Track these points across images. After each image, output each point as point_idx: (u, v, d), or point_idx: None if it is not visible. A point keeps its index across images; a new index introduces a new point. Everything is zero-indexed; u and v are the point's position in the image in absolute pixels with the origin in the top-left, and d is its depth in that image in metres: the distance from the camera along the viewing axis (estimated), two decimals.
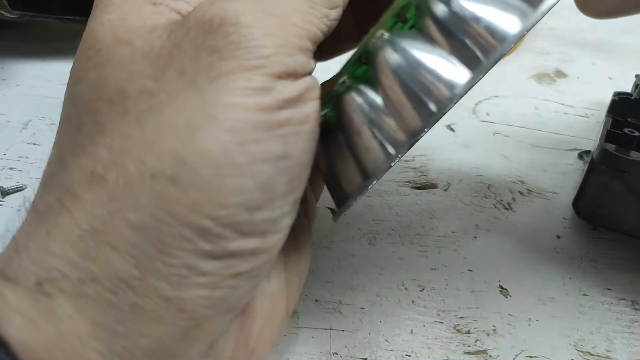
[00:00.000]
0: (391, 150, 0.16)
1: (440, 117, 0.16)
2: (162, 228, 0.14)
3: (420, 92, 0.16)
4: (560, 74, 0.45)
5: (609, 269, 0.28)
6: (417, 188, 0.32)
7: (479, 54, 0.15)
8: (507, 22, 0.15)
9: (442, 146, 0.36)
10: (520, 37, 0.15)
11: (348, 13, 0.24)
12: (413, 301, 0.26)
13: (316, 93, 0.16)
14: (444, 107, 0.15)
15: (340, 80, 0.18)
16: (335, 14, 0.17)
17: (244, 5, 0.15)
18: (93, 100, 0.16)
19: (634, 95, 0.31)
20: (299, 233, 0.21)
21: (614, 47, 0.49)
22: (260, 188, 0.15)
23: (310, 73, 0.16)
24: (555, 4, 0.15)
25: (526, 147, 0.36)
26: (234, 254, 0.15)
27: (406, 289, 0.26)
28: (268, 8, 0.15)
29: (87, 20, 0.17)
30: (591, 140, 0.36)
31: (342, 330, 0.24)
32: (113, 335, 0.14)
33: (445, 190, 0.32)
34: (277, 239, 0.16)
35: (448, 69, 0.15)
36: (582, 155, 0.35)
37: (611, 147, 0.26)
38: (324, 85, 0.20)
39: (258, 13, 0.15)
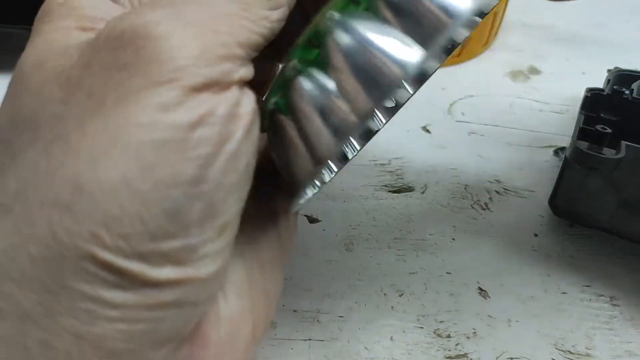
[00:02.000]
0: (343, 134, 0.16)
1: (391, 99, 0.15)
2: (60, 261, 0.13)
3: (373, 74, 0.15)
4: (534, 70, 0.45)
5: (587, 265, 0.28)
6: (394, 192, 0.32)
7: (432, 32, 0.15)
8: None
9: (418, 148, 0.36)
10: (475, 14, 0.14)
11: (297, 13, 0.23)
12: (392, 307, 0.25)
13: (246, 108, 0.15)
14: (396, 88, 0.15)
15: (290, 65, 0.17)
16: (278, 14, 0.16)
17: (158, 16, 0.14)
18: (7, 130, 0.15)
19: (606, 91, 0.31)
20: (265, 249, 0.19)
21: (586, 41, 0.49)
22: (168, 216, 0.13)
23: (242, 82, 0.15)
24: None
25: (502, 146, 0.36)
26: (149, 285, 0.14)
27: (385, 294, 0.26)
28: (188, 17, 0.14)
29: None
30: (566, 136, 0.36)
31: (322, 340, 0.24)
32: None
33: (422, 192, 0.32)
34: (204, 265, 0.15)
35: (401, 48, 0.15)
36: (557, 151, 0.36)
37: (583, 144, 0.26)
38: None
39: (174, 24, 0.14)
